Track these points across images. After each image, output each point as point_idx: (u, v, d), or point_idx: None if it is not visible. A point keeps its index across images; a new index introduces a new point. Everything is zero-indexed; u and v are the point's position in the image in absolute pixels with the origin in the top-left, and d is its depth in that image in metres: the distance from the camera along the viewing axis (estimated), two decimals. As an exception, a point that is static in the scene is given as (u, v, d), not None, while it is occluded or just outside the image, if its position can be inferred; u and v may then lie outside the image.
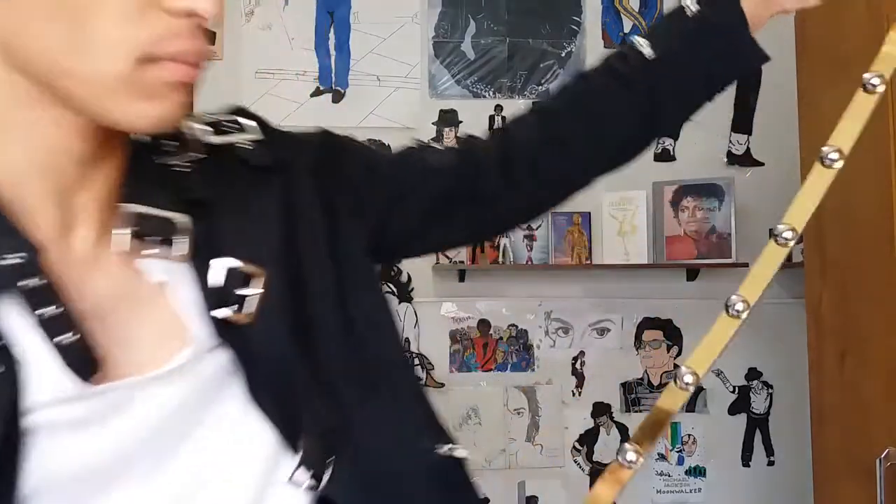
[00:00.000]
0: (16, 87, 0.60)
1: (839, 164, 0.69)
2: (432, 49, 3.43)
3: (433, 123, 3.41)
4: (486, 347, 3.38)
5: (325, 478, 0.66)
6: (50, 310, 0.58)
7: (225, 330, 0.66)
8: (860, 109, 0.73)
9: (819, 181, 0.69)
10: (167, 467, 0.63)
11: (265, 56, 3.37)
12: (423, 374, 3.34)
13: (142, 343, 0.64)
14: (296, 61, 3.38)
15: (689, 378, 0.68)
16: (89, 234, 0.65)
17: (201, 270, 0.67)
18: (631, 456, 0.65)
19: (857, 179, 2.19)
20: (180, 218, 0.68)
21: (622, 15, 3.50)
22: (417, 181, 0.88)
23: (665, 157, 3.47)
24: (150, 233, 0.66)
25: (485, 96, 3.44)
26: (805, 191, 0.69)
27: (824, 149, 0.69)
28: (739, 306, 0.66)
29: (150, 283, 0.66)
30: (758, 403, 3.44)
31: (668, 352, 3.41)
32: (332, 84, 3.39)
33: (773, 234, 0.68)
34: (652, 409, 0.69)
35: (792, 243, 0.68)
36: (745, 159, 3.49)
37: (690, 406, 3.41)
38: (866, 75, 0.71)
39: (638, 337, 3.42)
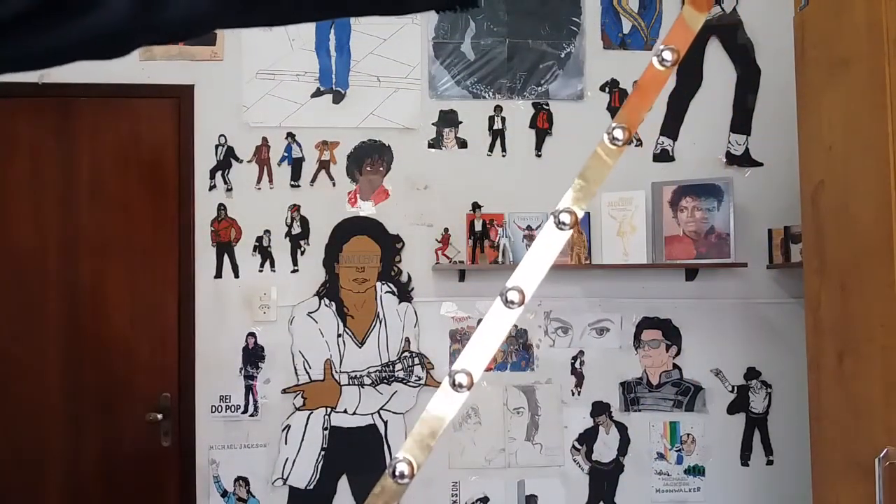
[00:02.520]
0: None
1: (624, 144, 0.68)
2: (432, 50, 3.44)
3: (433, 124, 3.42)
4: (485, 347, 3.38)
5: None
6: None
7: None
8: (652, 83, 0.70)
9: (607, 159, 0.68)
10: None
11: (266, 57, 3.38)
12: (423, 374, 3.35)
13: None
14: (296, 62, 3.39)
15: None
16: None
17: None
18: (667, 55, 0.63)
19: (856, 181, 2.20)
20: None
21: (621, 16, 3.51)
22: None
23: (664, 157, 3.49)
24: None
25: (484, 97, 3.45)
26: (589, 169, 0.68)
27: (613, 124, 0.68)
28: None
29: None
30: (757, 403, 3.45)
31: (668, 351, 3.42)
32: (333, 85, 3.40)
33: (556, 218, 0.67)
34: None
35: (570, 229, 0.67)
36: (743, 160, 3.50)
37: (689, 405, 3.42)
38: (660, 47, 0.69)
39: (637, 336, 3.43)
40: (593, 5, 3.50)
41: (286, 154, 3.37)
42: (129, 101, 3.35)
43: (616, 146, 0.68)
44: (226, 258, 3.33)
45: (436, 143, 3.43)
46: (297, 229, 3.36)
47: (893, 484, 1.99)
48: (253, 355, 3.31)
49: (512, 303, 0.66)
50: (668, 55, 0.68)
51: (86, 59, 0.86)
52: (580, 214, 0.67)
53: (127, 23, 0.80)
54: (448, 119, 3.43)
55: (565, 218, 0.67)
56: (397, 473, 0.61)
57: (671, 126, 3.50)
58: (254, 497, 3.28)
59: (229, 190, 3.35)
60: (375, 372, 3.34)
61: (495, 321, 0.66)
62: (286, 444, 3.30)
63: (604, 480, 3.40)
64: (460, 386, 0.63)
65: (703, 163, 3.48)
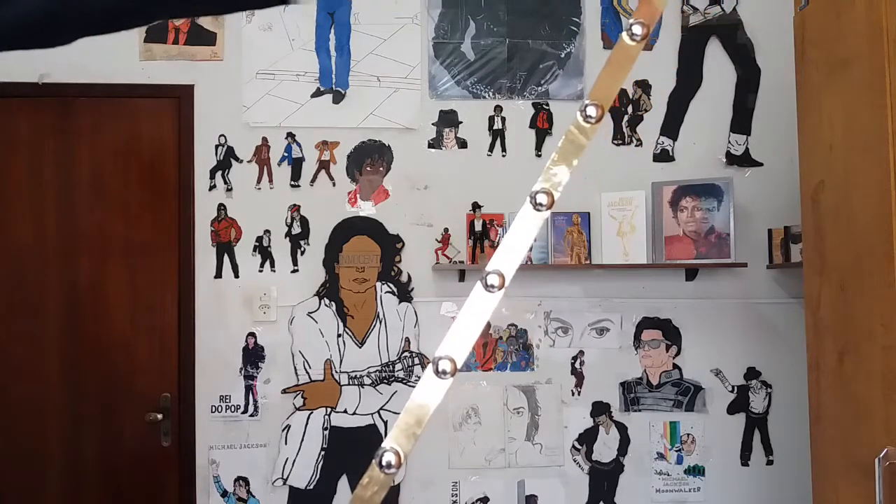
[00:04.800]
0: None
1: (598, 122, 0.68)
2: (432, 50, 3.44)
3: (433, 124, 3.42)
4: (485, 347, 3.39)
5: None
6: None
7: None
8: (623, 59, 0.70)
9: (580, 135, 0.68)
10: None
11: (266, 57, 3.38)
12: (423, 374, 3.34)
13: None
14: (296, 62, 3.39)
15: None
16: None
17: None
18: (637, 29, 0.65)
19: (856, 180, 2.20)
20: None
21: (621, 16, 3.51)
22: None
23: (664, 157, 3.49)
24: None
25: (484, 97, 3.45)
26: (563, 148, 0.68)
27: (586, 101, 0.68)
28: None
29: None
30: (757, 403, 3.45)
31: (668, 351, 3.42)
32: (333, 85, 3.40)
33: (529, 200, 0.67)
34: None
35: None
36: (743, 160, 3.50)
37: (689, 405, 3.42)
38: (630, 21, 0.69)
39: (637, 336, 3.43)
40: (593, 5, 3.50)
41: (286, 154, 3.37)
42: (129, 101, 3.35)
43: (590, 124, 0.67)
44: (226, 258, 3.33)
45: (436, 143, 3.43)
46: (297, 229, 3.36)
47: (893, 484, 1.99)
48: (253, 355, 3.31)
49: (492, 286, 0.65)
50: (637, 29, 0.68)
51: (24, 47, 0.86)
52: (556, 194, 0.66)
53: (59, 8, 0.81)
54: (448, 119, 3.43)
55: (542, 199, 0.66)
56: (384, 463, 0.60)
57: (671, 126, 3.50)
58: (254, 497, 3.28)
59: (229, 190, 3.35)
60: (375, 372, 3.34)
61: (477, 306, 0.65)
62: (286, 444, 3.30)
63: (604, 480, 3.40)
64: (444, 373, 0.63)
65: (704, 163, 3.47)
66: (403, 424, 0.62)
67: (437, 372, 0.63)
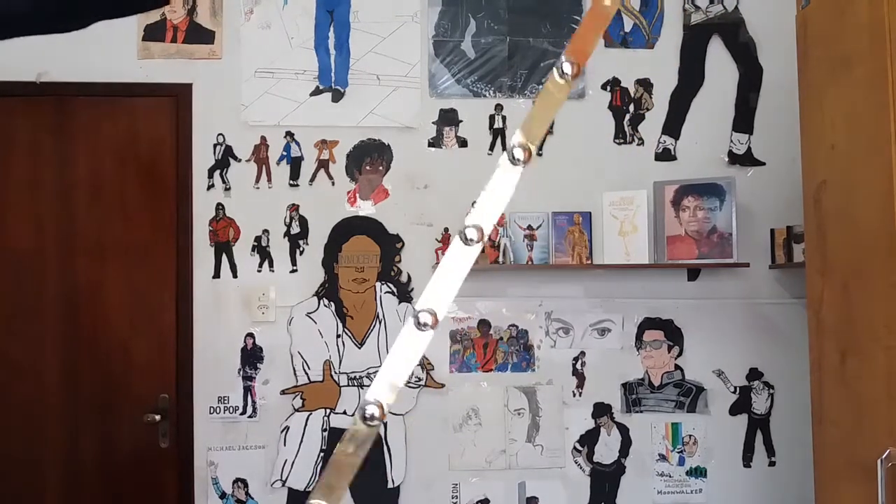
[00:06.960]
0: None
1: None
2: (432, 48, 3.42)
3: (433, 122, 3.41)
4: (486, 348, 3.37)
5: None
6: None
7: None
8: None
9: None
10: None
11: (265, 55, 3.36)
12: (422, 375, 3.33)
13: None
14: (295, 60, 3.38)
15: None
16: None
17: None
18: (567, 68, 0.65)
19: (858, 180, 2.18)
20: None
21: (623, 14, 3.49)
22: None
23: (666, 156, 3.47)
24: None
25: (485, 95, 3.43)
26: (539, 105, 0.68)
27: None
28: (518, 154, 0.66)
29: None
30: (759, 404, 3.43)
31: (669, 352, 3.40)
32: (332, 83, 3.38)
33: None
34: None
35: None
36: (746, 159, 3.48)
37: (691, 406, 3.40)
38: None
39: (639, 337, 3.41)
40: (594, 3, 3.48)
41: (285, 153, 3.36)
42: (127, 99, 3.33)
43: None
44: (224, 258, 3.32)
45: (436, 142, 3.41)
46: (295, 229, 3.35)
47: (897, 486, 1.97)
48: (251, 356, 3.30)
49: (471, 240, 0.69)
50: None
51: (42, 31, 0.87)
52: (533, 150, 0.68)
53: None
54: (448, 118, 3.41)
55: (518, 154, 0.69)
56: (367, 416, 0.62)
57: (673, 125, 3.48)
58: (252, 499, 3.27)
59: (227, 189, 3.34)
60: (375, 373, 3.32)
61: (456, 260, 0.69)
62: (285, 445, 3.29)
63: (605, 482, 3.38)
64: (425, 325, 0.65)
65: (706, 162, 3.46)
66: (386, 378, 0.64)
67: (417, 325, 0.65)
